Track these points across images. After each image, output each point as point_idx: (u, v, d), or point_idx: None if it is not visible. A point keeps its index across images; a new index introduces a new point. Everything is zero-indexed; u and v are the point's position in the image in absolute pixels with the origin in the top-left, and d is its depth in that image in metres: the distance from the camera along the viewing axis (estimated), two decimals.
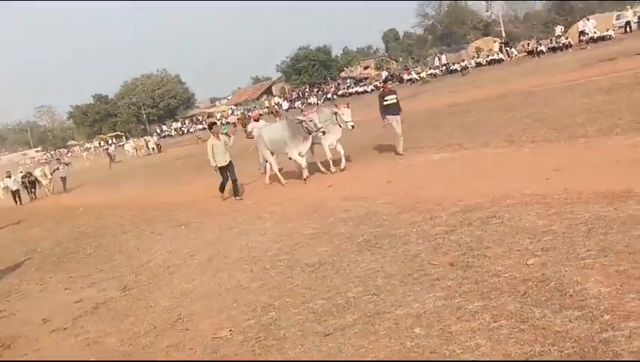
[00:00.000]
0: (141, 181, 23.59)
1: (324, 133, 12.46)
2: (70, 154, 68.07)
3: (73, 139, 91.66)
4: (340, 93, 55.04)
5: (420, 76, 46.83)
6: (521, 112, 14.94)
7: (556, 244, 5.31)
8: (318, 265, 6.50)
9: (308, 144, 12.78)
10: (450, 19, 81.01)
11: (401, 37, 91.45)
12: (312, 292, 5.68)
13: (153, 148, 47.46)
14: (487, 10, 67.45)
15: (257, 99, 77.22)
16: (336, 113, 12.87)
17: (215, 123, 14.62)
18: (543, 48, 41.16)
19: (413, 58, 70.22)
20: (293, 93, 64.39)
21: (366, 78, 62.34)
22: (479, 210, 7.10)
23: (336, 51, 72.47)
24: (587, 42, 37.37)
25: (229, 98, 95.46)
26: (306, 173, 12.70)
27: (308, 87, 65.76)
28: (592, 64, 24.11)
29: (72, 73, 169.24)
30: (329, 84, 63.56)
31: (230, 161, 12.64)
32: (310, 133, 12.49)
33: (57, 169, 27.26)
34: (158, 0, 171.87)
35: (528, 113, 14.52)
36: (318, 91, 61.02)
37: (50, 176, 26.95)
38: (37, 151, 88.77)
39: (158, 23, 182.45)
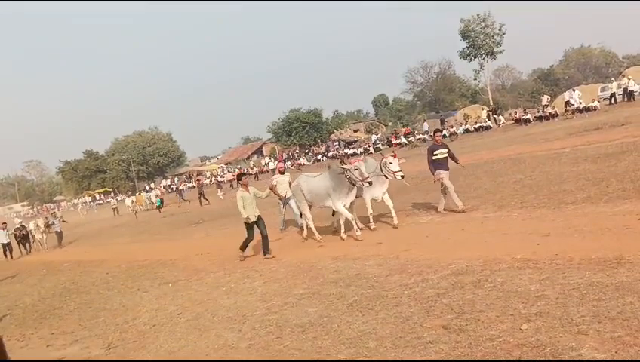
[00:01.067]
0: (129, 238, 23.42)
1: (370, 183, 11.30)
2: (58, 209, 67.48)
3: (61, 194, 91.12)
4: (329, 154, 55.59)
5: (408, 140, 47.49)
6: (509, 178, 15.12)
7: (550, 309, 5.28)
8: (308, 325, 6.40)
9: (353, 196, 11.84)
10: (439, 86, 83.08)
11: (390, 102, 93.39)
12: (302, 354, 5.57)
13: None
14: (475, 79, 69.04)
15: (247, 158, 77.79)
16: (384, 163, 12.03)
17: (244, 174, 13.75)
18: (529, 117, 42.00)
19: (402, 123, 71.37)
20: (284, 154, 64.89)
21: (356, 141, 63.16)
22: (471, 273, 7.07)
23: (327, 114, 73.73)
24: (573, 112, 38.22)
25: (219, 157, 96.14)
26: (356, 226, 11.68)
27: (298, 148, 66.40)
28: (579, 133, 24.62)
29: (63, 129, 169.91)
30: (319, 146, 64.21)
31: (259, 216, 11.83)
32: (354, 185, 11.52)
33: (53, 223, 26.49)
34: (152, 60, 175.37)
35: (517, 179, 14.69)
36: (308, 152, 61.60)
37: (43, 229, 26.18)
38: (23, 206, 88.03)
39: (151, 81, 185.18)
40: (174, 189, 60.29)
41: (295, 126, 67.43)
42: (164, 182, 72.89)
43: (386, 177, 12.10)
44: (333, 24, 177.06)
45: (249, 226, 11.73)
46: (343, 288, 7.67)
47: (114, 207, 48.33)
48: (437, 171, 12.46)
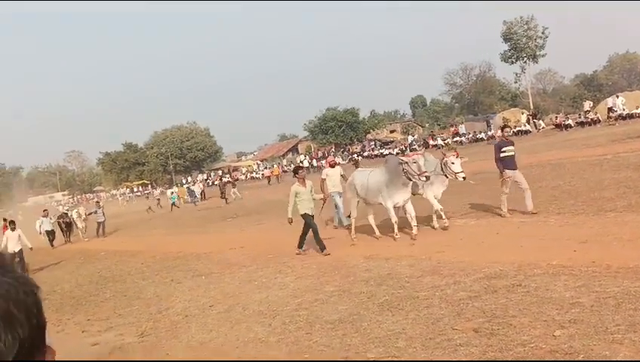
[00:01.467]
0: (164, 230, 23.79)
1: (427, 178, 10.68)
2: (96, 199, 68.76)
3: (100, 185, 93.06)
4: (365, 154, 55.55)
5: (445, 143, 47.13)
6: (548, 183, 14.87)
7: (584, 317, 5.19)
8: (337, 322, 6.42)
9: (407, 194, 11.02)
10: (478, 89, 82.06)
11: (428, 103, 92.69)
12: (330, 350, 5.59)
13: (201, 195, 43.82)
14: (516, 82, 67.90)
15: (283, 156, 78.18)
16: (445, 162, 11.33)
17: (301, 167, 12.89)
18: (570, 122, 41.28)
19: (439, 125, 70.76)
20: (319, 152, 65.02)
21: (392, 142, 62.89)
22: (504, 277, 6.98)
23: (364, 113, 73.38)
24: (616, 119, 37.40)
25: (255, 153, 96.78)
26: (396, 229, 11.11)
27: (334, 146, 66.42)
28: (621, 140, 24.06)
29: (104, 121, 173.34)
30: (355, 145, 64.13)
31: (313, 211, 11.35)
32: (411, 180, 10.78)
33: (95, 212, 26.41)
34: (191, 54, 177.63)
35: (555, 185, 14.44)
36: (343, 151, 61.60)
37: (84, 217, 26.10)
38: (63, 195, 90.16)
39: (191, 77, 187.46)
40: (211, 184, 60.85)
41: (331, 124, 67.44)
42: (200, 177, 73.77)
43: (447, 176, 11.57)
44: (374, 23, 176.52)
45: (307, 218, 11.16)
46: (374, 287, 7.67)
47: (157, 198, 46.47)
48: (505, 171, 11.67)
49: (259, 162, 76.21)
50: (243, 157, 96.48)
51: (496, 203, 12.07)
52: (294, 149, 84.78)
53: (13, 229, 16.44)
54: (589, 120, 39.97)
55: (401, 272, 8.25)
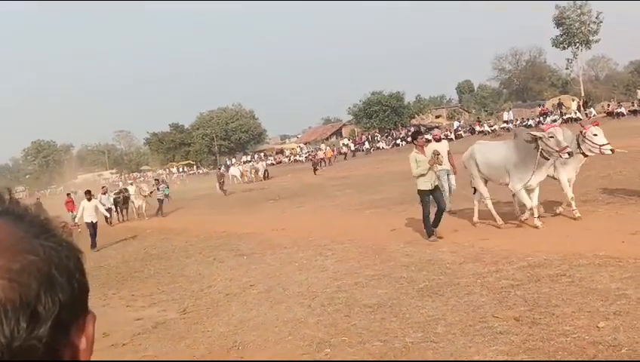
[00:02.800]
0: (208, 209, 24.15)
1: (570, 155, 8.99)
2: (143, 178, 69.77)
3: (147, 165, 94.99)
4: (409, 139, 55.06)
5: (492, 129, 46.29)
6: (597, 172, 14.45)
7: (630, 309, 5.05)
8: (376, 306, 6.41)
9: (541, 175, 9.45)
10: (528, 74, 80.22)
11: (475, 89, 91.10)
12: (369, 334, 5.59)
13: (264, 174, 42.39)
14: (567, 69, 65.99)
15: (327, 139, 78.16)
16: (584, 135, 9.66)
17: (421, 132, 11.01)
18: (623, 110, 40.02)
19: (486, 110, 69.52)
20: (363, 137, 64.75)
21: (437, 127, 62.09)
22: (548, 266, 6.85)
23: (409, 98, 72.63)
24: None
25: (299, 136, 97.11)
26: (536, 213, 9.52)
27: (378, 131, 66.02)
28: None
29: (152, 102, 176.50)
30: (399, 130, 63.63)
31: (437, 185, 9.89)
32: (548, 159, 9.24)
33: (157, 189, 24.62)
34: (237, 36, 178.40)
35: (605, 174, 14.05)
36: (387, 136, 61.20)
37: (147, 194, 23.96)
38: (111, 173, 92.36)
39: (237, 59, 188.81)
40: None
41: (376, 109, 67.04)
42: (244, 158, 74.45)
43: (584, 155, 9.84)
44: (423, 7, 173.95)
45: (424, 195, 9.70)
46: (415, 272, 7.63)
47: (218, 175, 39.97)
48: None
49: (302, 145, 76.42)
50: (287, 140, 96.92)
51: (546, 194, 11.81)
52: (338, 133, 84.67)
53: (89, 199, 16.45)
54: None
55: (442, 258, 8.18)
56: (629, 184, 12.10)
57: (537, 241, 8.33)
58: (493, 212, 10.21)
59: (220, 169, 41.62)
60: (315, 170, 39.85)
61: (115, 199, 24.28)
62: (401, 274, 7.68)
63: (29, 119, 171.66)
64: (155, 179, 31.92)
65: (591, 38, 58.58)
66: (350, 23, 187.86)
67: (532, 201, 9.37)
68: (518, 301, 5.78)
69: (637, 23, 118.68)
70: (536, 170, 9.25)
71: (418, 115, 70.86)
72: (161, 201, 24.20)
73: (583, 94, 56.59)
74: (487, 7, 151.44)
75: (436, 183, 9.76)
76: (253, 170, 44.31)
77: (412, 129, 61.14)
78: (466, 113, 76.28)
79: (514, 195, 10.14)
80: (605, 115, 42.32)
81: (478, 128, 47.80)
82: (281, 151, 75.55)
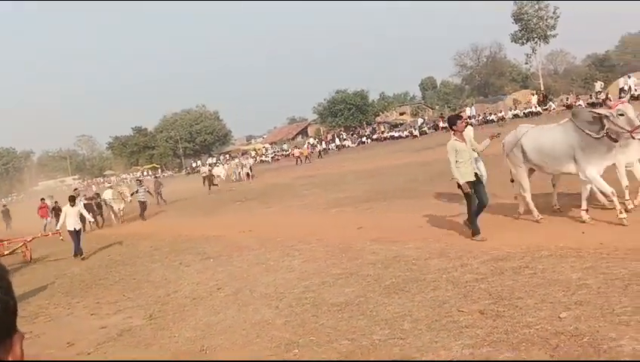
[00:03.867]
0: (178, 213, 23.86)
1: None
2: (107, 183, 68.53)
3: (110, 169, 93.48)
4: (374, 137, 55.40)
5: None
6: None
7: (590, 299, 5.16)
8: (344, 305, 6.43)
9: (611, 159, 8.20)
10: (489, 70, 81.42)
11: (438, 85, 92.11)
12: (336, 333, 5.60)
13: (247, 174, 39.12)
14: (527, 63, 67.14)
15: (292, 139, 78.10)
16: None
17: (460, 116, 9.55)
18: (581, 103, 40.84)
19: (449, 107, 70.33)
20: (328, 135, 64.87)
21: (401, 124, 62.60)
22: (511, 259, 6.96)
23: (373, 96, 73.08)
24: (628, 100, 36.97)
25: (264, 136, 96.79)
26: (616, 200, 7.97)
27: (343, 129, 66.24)
28: None
29: (114, 105, 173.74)
30: (364, 128, 63.93)
31: (478, 176, 8.75)
32: (616, 141, 7.96)
33: (137, 192, 23.46)
34: (201, 38, 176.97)
35: None
36: (353, 134, 61.43)
37: (129, 198, 22.99)
38: (74, 179, 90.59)
39: (200, 60, 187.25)
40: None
41: (341, 107, 67.26)
42: (209, 160, 73.83)
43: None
44: (383, 5, 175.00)
45: (470, 188, 8.49)
46: (381, 270, 7.67)
47: (204, 175, 37.11)
48: None
49: (267, 145, 76.20)
50: (252, 141, 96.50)
51: (499, 188, 11.98)
52: (304, 132, 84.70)
53: (72, 205, 15.38)
54: (601, 101, 39.48)
55: (408, 255, 8.24)
56: None
57: (499, 235, 8.44)
58: (532, 206, 9.23)
59: (210, 170, 39.03)
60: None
61: (85, 205, 21.35)
62: (367, 271, 7.71)
63: None
64: (138, 180, 30.56)
65: (549, 33, 59.58)
66: (312, 22, 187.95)
67: (609, 188, 8.00)
68: (483, 294, 5.86)
69: (593, 17, 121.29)
70: (606, 152, 8.06)
71: (382, 113, 71.34)
72: (142, 204, 23.04)
73: (542, 88, 57.62)
74: (450, 5, 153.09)
75: (476, 171, 8.70)
76: (240, 168, 41.12)
77: (376, 127, 61.73)
78: (430, 109, 77.12)
79: (554, 185, 9.63)
80: (565, 108, 43.16)
81: (441, 124, 48.23)
82: (246, 152, 75.17)
